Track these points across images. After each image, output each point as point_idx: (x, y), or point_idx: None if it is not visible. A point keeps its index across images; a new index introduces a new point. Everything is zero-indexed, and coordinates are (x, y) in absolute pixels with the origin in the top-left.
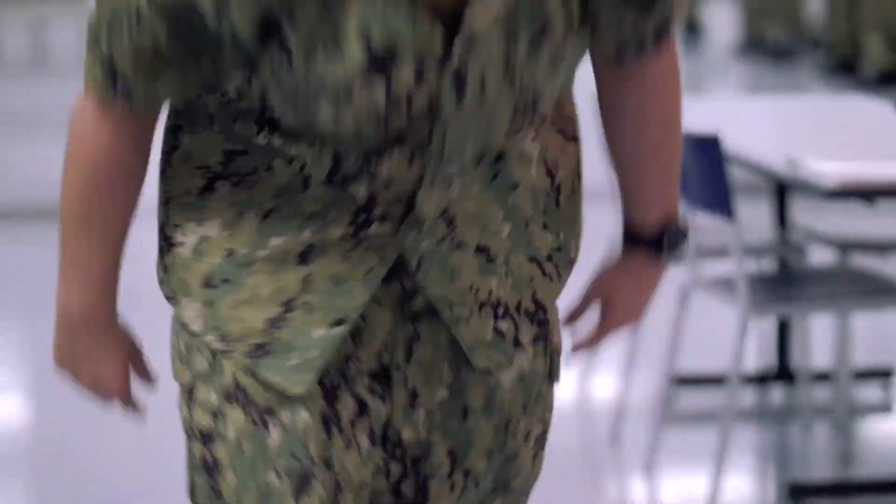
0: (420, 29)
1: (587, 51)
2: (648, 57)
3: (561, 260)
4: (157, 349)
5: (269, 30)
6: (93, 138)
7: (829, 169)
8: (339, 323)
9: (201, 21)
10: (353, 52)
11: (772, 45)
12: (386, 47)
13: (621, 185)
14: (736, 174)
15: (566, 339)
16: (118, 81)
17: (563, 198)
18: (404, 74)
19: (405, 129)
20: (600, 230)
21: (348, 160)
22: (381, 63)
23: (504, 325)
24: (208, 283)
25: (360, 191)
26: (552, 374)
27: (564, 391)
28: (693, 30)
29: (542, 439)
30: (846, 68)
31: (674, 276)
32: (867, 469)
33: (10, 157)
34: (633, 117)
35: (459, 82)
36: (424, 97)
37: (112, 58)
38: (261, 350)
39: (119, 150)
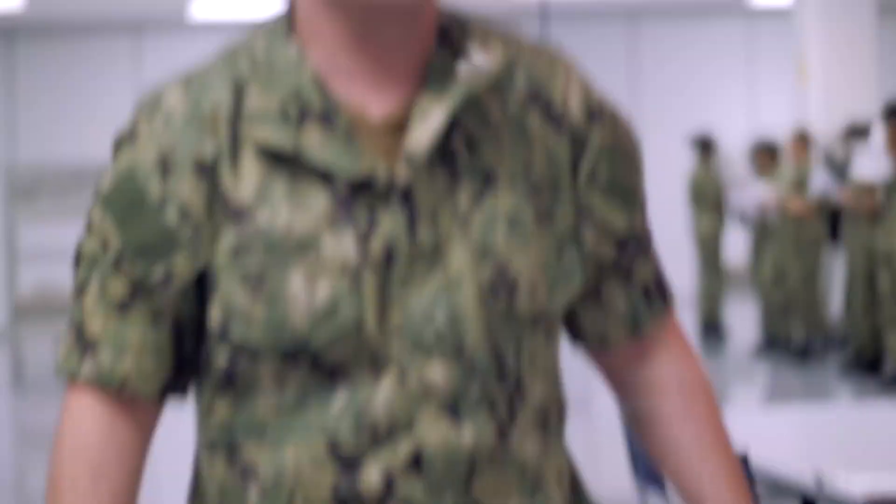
0: (364, 159)
1: (574, 278)
2: (663, 317)
3: None
4: None
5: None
6: (64, 425)
7: (857, 483)
8: None
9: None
10: (319, 200)
11: (793, 344)
12: (343, 187)
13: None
14: (760, 487)
15: None
16: (85, 346)
17: None
18: (363, 213)
19: (379, 298)
20: None
21: (341, 433)
22: (344, 202)
23: None
24: None
25: (371, 475)
26: None
27: None
28: (714, 330)
29: None
30: (869, 366)
31: None
32: None
33: (32, 478)
34: (681, 398)
35: (411, 216)
36: (381, 240)
37: (83, 320)
38: None
39: (89, 436)
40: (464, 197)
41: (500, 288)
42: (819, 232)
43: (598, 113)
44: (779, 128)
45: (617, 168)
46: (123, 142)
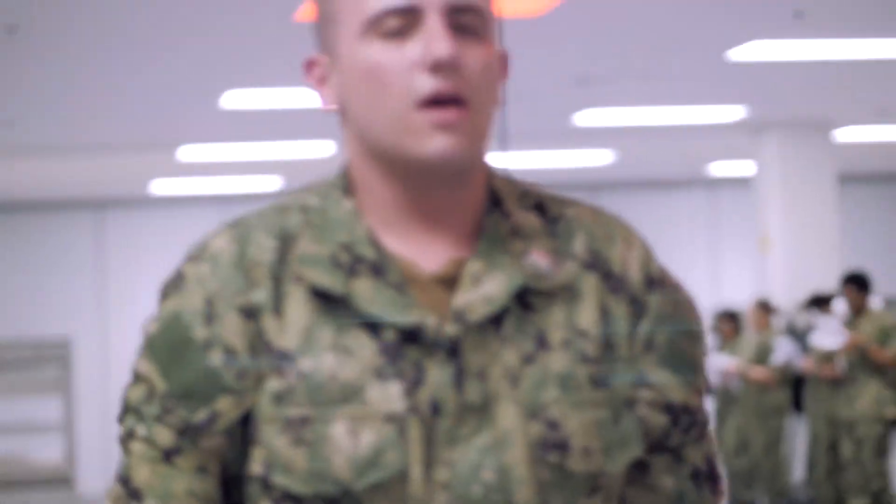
0: (413, 311)
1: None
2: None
3: None
4: None
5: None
6: None
7: None
8: None
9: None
10: (365, 349)
11: None
12: (391, 337)
13: None
14: None
15: None
16: (132, 496)
17: None
18: (409, 364)
19: (424, 450)
20: None
21: None
22: (391, 352)
23: None
24: None
25: None
26: None
27: None
28: None
29: None
30: None
31: None
32: None
33: None
34: None
35: (458, 371)
36: (428, 393)
37: (130, 469)
38: None
39: None
40: (514, 356)
41: (550, 447)
42: (781, 400)
43: (659, 281)
44: (741, 297)
45: (675, 338)
46: (169, 288)
